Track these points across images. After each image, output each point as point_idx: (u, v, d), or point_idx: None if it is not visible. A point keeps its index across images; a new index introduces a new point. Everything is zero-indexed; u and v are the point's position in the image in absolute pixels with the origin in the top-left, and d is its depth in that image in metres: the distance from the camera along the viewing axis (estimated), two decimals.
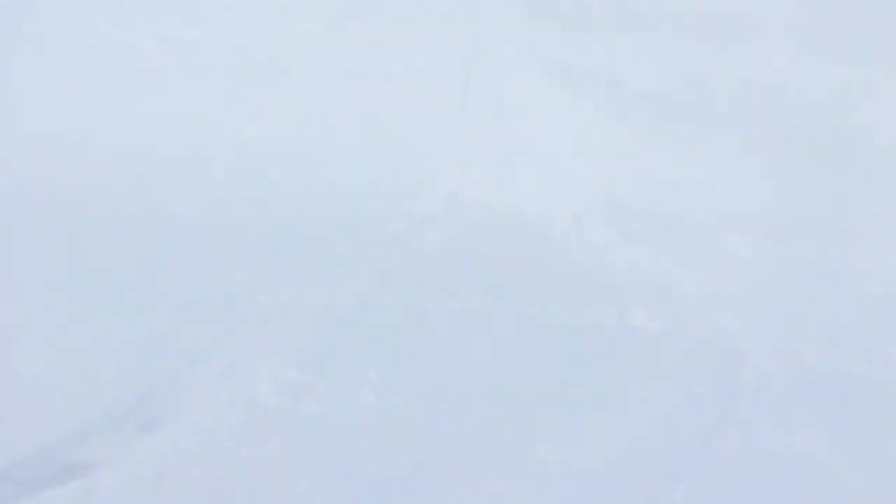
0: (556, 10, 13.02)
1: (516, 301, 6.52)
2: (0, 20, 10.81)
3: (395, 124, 9.31)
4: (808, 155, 9.12)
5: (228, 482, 4.47)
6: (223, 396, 5.05)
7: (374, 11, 12.64)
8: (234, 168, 8.06)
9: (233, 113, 9.19)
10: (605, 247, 7.40)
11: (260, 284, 6.18)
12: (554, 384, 5.57)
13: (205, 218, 7.07)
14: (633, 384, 5.65)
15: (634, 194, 8.34)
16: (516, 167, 8.77)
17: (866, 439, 5.39)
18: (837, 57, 10.98)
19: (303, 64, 10.61)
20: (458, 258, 7.14)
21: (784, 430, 5.37)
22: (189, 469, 4.51)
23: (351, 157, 8.56)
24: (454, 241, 7.38)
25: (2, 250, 6.41)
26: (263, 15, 12.13)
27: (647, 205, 8.19)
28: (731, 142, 9.43)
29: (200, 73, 10.15)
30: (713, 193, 8.55)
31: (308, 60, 10.74)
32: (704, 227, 7.93)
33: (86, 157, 7.92)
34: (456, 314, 6.28)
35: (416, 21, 12.31)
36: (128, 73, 9.96)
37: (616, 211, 8.03)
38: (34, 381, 5.03)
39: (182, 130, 8.65)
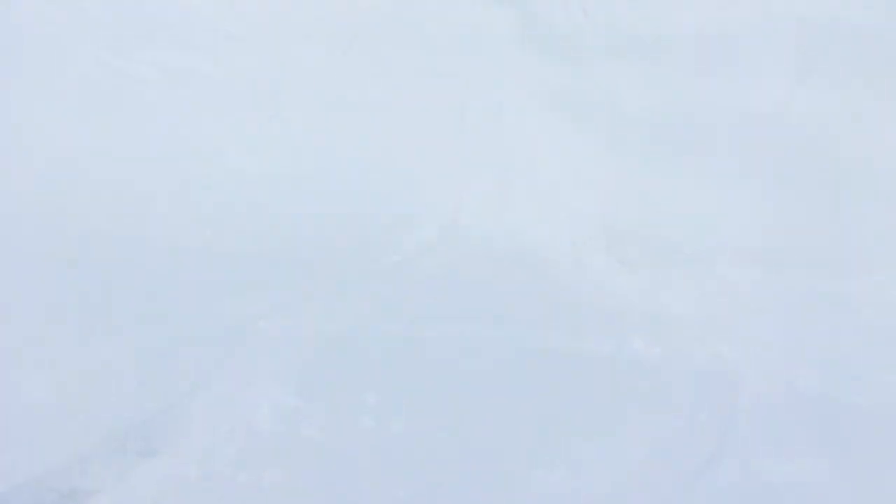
0: (555, 40, 13.23)
1: (514, 329, 6.62)
2: None
3: (392, 153, 9.48)
4: (806, 183, 9.26)
5: None
6: (222, 423, 5.12)
7: (373, 41, 12.88)
8: (233, 197, 8.21)
9: (231, 142, 9.36)
10: (603, 274, 7.53)
11: (259, 313, 6.26)
12: (552, 411, 5.64)
13: (203, 247, 7.20)
14: (631, 411, 5.73)
15: (632, 222, 8.49)
16: (514, 196, 8.92)
17: (866, 466, 5.45)
18: (838, 84, 11.14)
19: (301, 94, 10.79)
20: (456, 287, 7.25)
21: (783, 458, 5.43)
22: (188, 495, 4.57)
23: (349, 186, 8.71)
24: (452, 270, 7.50)
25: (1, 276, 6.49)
26: (262, 44, 12.33)
27: (645, 233, 8.34)
28: (730, 170, 9.57)
29: (200, 102, 10.31)
30: (711, 222, 8.70)
31: (306, 90, 10.92)
32: (703, 255, 8.07)
33: (85, 186, 8.06)
34: (454, 341, 6.36)
35: (414, 50, 12.53)
36: (127, 102, 10.12)
37: (614, 239, 8.17)
38: (33, 406, 5.09)
39: (181, 160, 8.82)
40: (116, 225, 7.41)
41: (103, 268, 6.68)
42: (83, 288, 6.41)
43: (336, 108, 10.51)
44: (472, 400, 5.69)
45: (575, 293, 7.24)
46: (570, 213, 8.58)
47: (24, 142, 8.79)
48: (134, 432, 5.02)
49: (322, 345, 6.07)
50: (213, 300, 6.30)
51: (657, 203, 8.96)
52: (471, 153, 9.76)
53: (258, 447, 4.98)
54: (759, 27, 13.15)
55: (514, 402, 5.71)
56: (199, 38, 12.49)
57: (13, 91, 10.02)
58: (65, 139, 9.07)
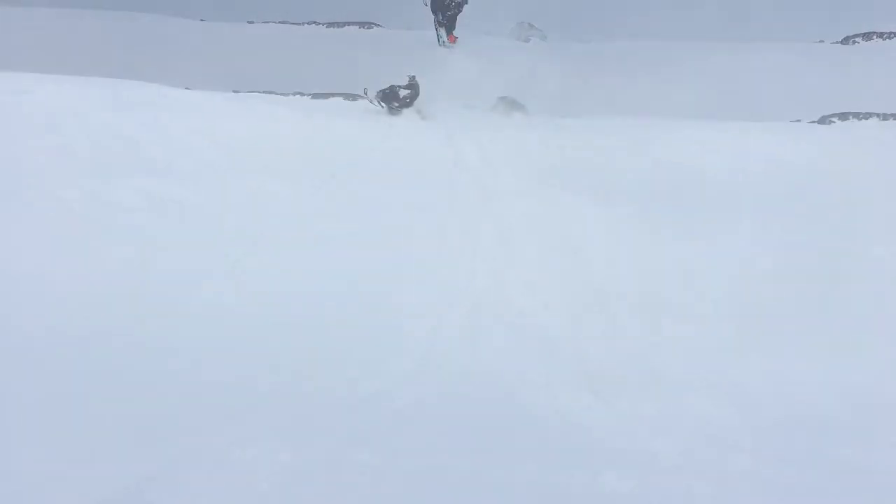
0: (526, 173, 14.02)
1: (487, 462, 6.79)
2: None
3: (369, 285, 9.88)
4: (774, 316, 9.71)
5: None
6: None
7: (352, 175, 13.55)
8: (210, 327, 8.47)
9: (209, 272, 9.71)
10: (575, 408, 7.78)
11: (234, 441, 6.44)
12: None
13: (180, 376, 7.39)
14: None
15: (605, 355, 8.84)
16: (488, 327, 9.25)
17: None
18: (805, 226, 11.82)
19: (280, 225, 11.28)
20: (429, 418, 7.46)
21: None
22: None
23: (326, 317, 9.04)
24: (426, 402, 7.73)
25: None
26: (242, 176, 12.92)
27: (619, 364, 8.68)
28: (702, 305, 10.03)
29: (179, 231, 10.72)
30: (686, 356, 9.06)
31: (285, 222, 11.43)
32: (678, 387, 8.37)
33: (67, 314, 8.29)
34: (427, 474, 6.52)
35: (392, 184, 13.21)
36: (105, 228, 10.49)
37: (586, 371, 8.48)
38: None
39: (158, 288, 9.13)
40: (92, 352, 7.62)
41: (81, 396, 6.84)
42: (57, 422, 6.54)
43: (313, 240, 10.99)
44: None
45: (548, 426, 7.48)
46: (543, 345, 8.94)
47: (4, 268, 9.05)
48: None
49: (295, 474, 6.23)
50: (190, 429, 6.48)
51: (631, 334, 9.38)
52: (445, 285, 10.16)
53: None
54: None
55: None
56: (180, 166, 13.05)
57: None
58: (41, 265, 9.36)
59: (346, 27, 22.88)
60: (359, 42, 22.04)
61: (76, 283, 9.00)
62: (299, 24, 22.90)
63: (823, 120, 19.01)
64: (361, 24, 22.82)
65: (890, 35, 19.38)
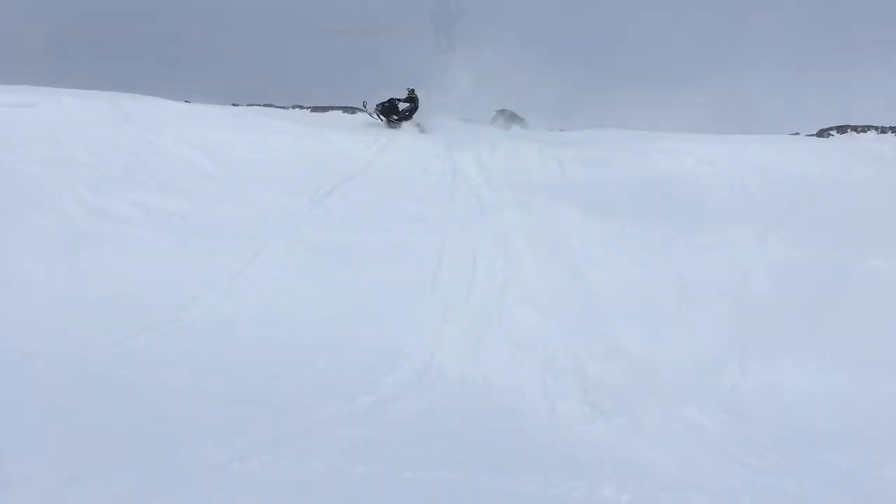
0: (525, 186, 14.12)
1: (486, 474, 6.81)
2: None
3: (369, 297, 9.95)
4: (772, 328, 9.77)
5: None
6: None
7: (352, 187, 13.65)
8: (213, 340, 8.54)
9: (210, 283, 9.77)
10: (574, 420, 7.82)
11: (235, 454, 6.46)
12: None
13: (182, 388, 7.43)
14: None
15: (604, 367, 8.88)
16: (487, 340, 9.30)
17: None
18: (802, 238, 11.88)
19: (280, 238, 11.36)
20: (429, 430, 7.49)
21: None
22: None
23: (326, 329, 9.10)
24: (426, 413, 7.76)
25: None
26: (242, 190, 13.01)
27: (616, 377, 8.73)
28: (700, 316, 10.08)
29: (180, 243, 10.80)
30: (684, 368, 9.10)
31: (285, 234, 11.51)
32: (674, 401, 8.41)
33: (67, 325, 8.33)
34: (427, 486, 6.54)
35: (391, 196, 13.29)
36: (106, 241, 10.58)
37: (585, 383, 8.53)
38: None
39: (160, 300, 9.18)
40: (94, 364, 7.66)
41: (81, 407, 6.87)
42: (59, 432, 6.58)
43: (313, 252, 11.07)
44: None
45: (547, 438, 7.51)
46: (542, 357, 8.99)
47: (4, 279, 9.11)
48: None
49: (297, 487, 6.26)
50: (193, 441, 6.50)
51: (629, 348, 9.42)
52: (446, 298, 10.22)
53: None
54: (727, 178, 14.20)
55: None
56: (179, 179, 13.15)
57: None
58: (42, 276, 9.44)
59: (330, 112, 23.21)
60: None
61: (76, 294, 9.07)
62: (284, 107, 23.30)
63: (822, 133, 19.13)
64: (345, 109, 23.21)
65: (864, 128, 19.72)
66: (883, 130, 20.36)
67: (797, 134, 17.61)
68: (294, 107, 24.04)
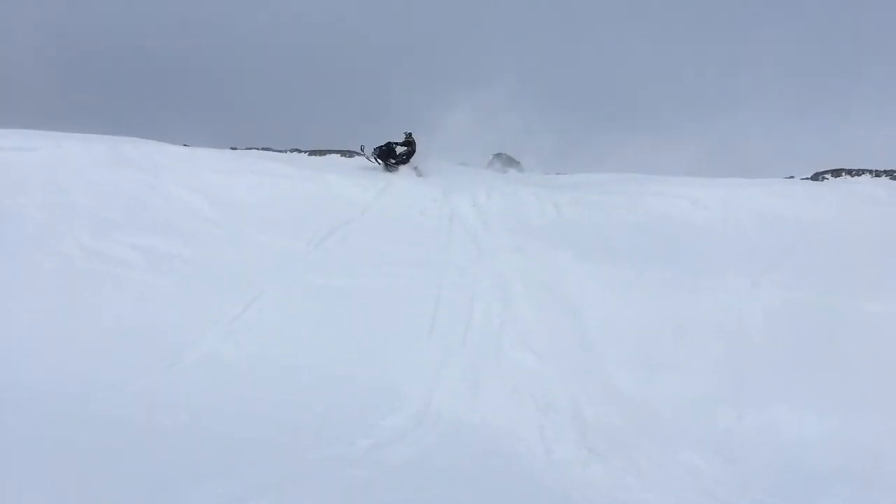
0: (522, 229, 14.27)
1: None
2: None
3: (367, 340, 10.04)
4: (767, 370, 9.83)
5: None
6: None
7: (350, 231, 13.81)
8: (212, 382, 8.61)
9: (208, 326, 9.86)
10: (571, 462, 7.87)
11: (232, 497, 6.49)
12: None
13: (180, 430, 7.48)
14: None
15: (600, 410, 8.94)
16: (484, 384, 9.36)
17: None
18: (797, 281, 11.99)
19: (278, 281, 11.48)
20: (426, 473, 7.54)
21: None
22: None
23: (324, 372, 9.16)
24: (423, 456, 7.81)
25: None
26: (242, 232, 13.16)
27: (613, 420, 8.78)
28: (696, 359, 10.15)
29: (178, 285, 10.92)
30: (681, 410, 9.16)
31: (285, 277, 11.65)
32: (671, 443, 8.47)
33: (68, 367, 8.39)
34: None
35: (389, 240, 13.44)
36: (105, 284, 10.69)
37: (582, 426, 8.59)
38: None
39: (159, 342, 9.26)
40: (94, 406, 7.71)
41: (81, 448, 6.90)
42: (59, 473, 6.61)
43: (312, 295, 11.18)
44: None
45: (544, 481, 7.57)
46: (539, 400, 9.04)
47: (5, 322, 9.18)
48: None
49: None
50: (191, 484, 6.54)
51: (624, 389, 9.48)
52: (442, 341, 10.30)
53: None
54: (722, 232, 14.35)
55: None
56: (179, 223, 13.30)
57: None
58: (43, 319, 9.51)
59: (328, 155, 23.64)
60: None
61: (76, 336, 9.15)
62: (283, 151, 23.72)
63: (816, 176, 19.35)
64: (343, 153, 23.68)
65: (859, 171, 20.11)
66: (877, 174, 20.61)
67: (791, 177, 17.82)
68: (292, 150, 24.38)
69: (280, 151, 23.92)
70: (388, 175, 18.68)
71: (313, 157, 23.43)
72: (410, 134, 20.15)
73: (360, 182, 16.86)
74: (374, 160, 19.70)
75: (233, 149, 21.73)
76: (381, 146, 19.59)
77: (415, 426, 8.28)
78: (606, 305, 11.30)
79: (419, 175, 19.36)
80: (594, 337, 10.56)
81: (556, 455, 8.00)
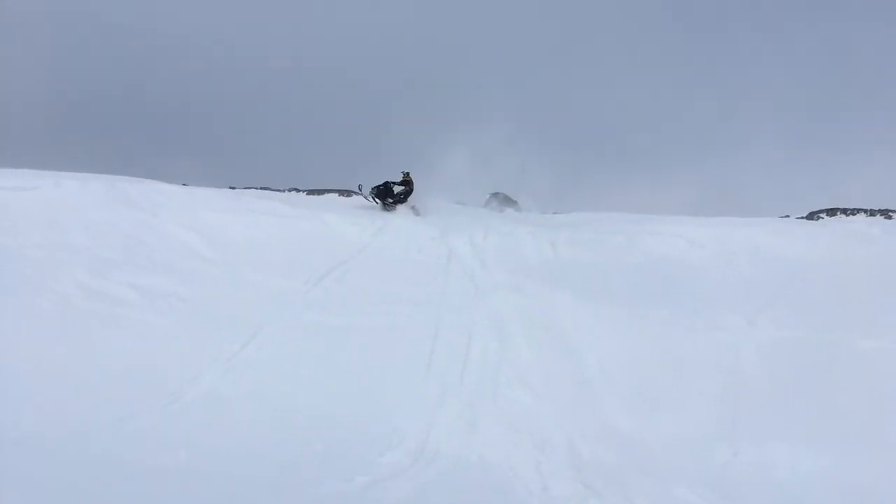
0: (519, 268, 14.42)
1: None
2: None
3: (365, 378, 10.13)
4: (763, 407, 9.90)
5: None
6: None
7: (347, 270, 13.96)
8: (210, 420, 8.69)
9: (207, 364, 9.94)
10: (567, 499, 7.94)
11: None
12: None
13: (178, 468, 7.53)
14: None
15: (597, 447, 9.01)
16: (482, 421, 9.44)
17: None
18: (793, 319, 12.11)
19: (277, 320, 11.60)
20: None
21: None
22: None
23: (323, 409, 9.27)
24: (421, 493, 7.86)
25: None
26: (239, 271, 13.29)
27: (609, 457, 8.85)
28: (691, 396, 10.23)
29: (176, 324, 11.01)
30: (676, 447, 9.24)
31: (283, 316, 11.76)
32: (666, 480, 8.54)
33: (66, 406, 8.47)
34: None
35: (387, 279, 13.59)
36: (103, 323, 10.79)
37: (578, 463, 8.65)
38: None
39: (157, 380, 9.35)
40: (93, 445, 7.77)
41: (80, 489, 6.94)
42: None
43: (309, 334, 11.29)
44: None
45: None
46: (536, 437, 9.11)
47: (3, 362, 9.24)
48: None
49: None
50: None
51: (620, 427, 9.55)
52: (440, 379, 10.38)
53: None
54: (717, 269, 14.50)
55: None
56: (177, 262, 13.43)
57: None
58: (41, 358, 9.58)
59: (326, 194, 24.04)
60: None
61: (75, 375, 9.23)
62: (281, 190, 24.06)
63: (812, 216, 19.55)
64: (341, 192, 24.08)
65: (854, 211, 20.45)
66: (872, 213, 20.83)
67: (787, 216, 18.03)
68: (291, 189, 24.62)
69: (278, 191, 24.15)
70: (386, 214, 18.87)
71: (311, 196, 23.67)
72: (408, 173, 20.38)
73: (357, 221, 17.04)
74: (371, 199, 19.90)
75: (231, 188, 21.96)
76: (379, 185, 19.82)
77: (412, 463, 8.34)
78: (603, 344, 11.41)
79: (417, 214, 19.56)
80: (591, 375, 10.66)
81: (553, 492, 8.05)
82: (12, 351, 9.57)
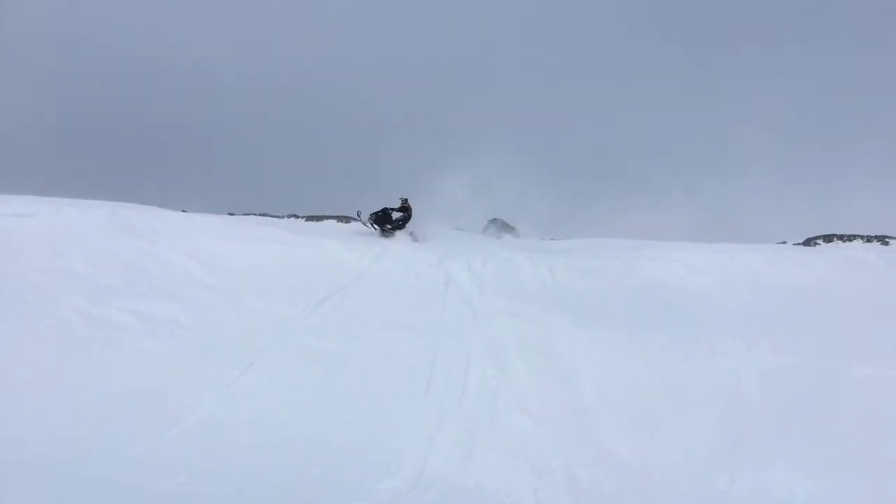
0: (516, 294, 14.49)
1: None
2: None
3: (363, 404, 10.21)
4: (761, 433, 9.97)
5: None
6: None
7: (346, 296, 14.04)
8: (210, 446, 8.75)
9: (206, 390, 10.01)
10: None
11: None
12: None
13: (177, 492, 7.59)
14: None
15: (594, 472, 9.08)
16: (479, 447, 9.50)
17: None
18: (791, 345, 12.19)
19: (277, 346, 11.68)
20: None
21: None
22: None
23: (321, 435, 9.33)
24: None
25: None
26: (239, 297, 13.37)
27: (607, 483, 8.93)
28: (690, 422, 10.29)
29: (176, 350, 11.08)
30: (675, 473, 9.31)
31: (282, 342, 11.83)
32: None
33: (66, 432, 8.52)
34: None
35: (385, 305, 13.67)
36: (104, 349, 10.86)
37: (575, 489, 8.73)
38: None
39: (157, 406, 9.41)
40: (93, 469, 7.83)
41: None
42: None
43: (308, 360, 11.37)
44: None
45: None
46: (533, 463, 9.16)
47: (5, 388, 9.31)
48: None
49: None
50: None
51: (620, 453, 9.62)
52: (438, 405, 10.44)
53: None
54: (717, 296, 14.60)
55: None
56: (178, 290, 13.52)
57: None
58: (41, 383, 9.65)
59: (325, 221, 24.21)
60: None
61: (75, 401, 9.30)
62: (280, 216, 24.23)
63: (809, 242, 19.67)
64: (339, 218, 24.27)
65: (850, 237, 20.63)
66: (868, 239, 20.96)
67: (784, 243, 18.14)
68: (290, 216, 24.75)
69: (277, 217, 24.24)
70: (385, 240, 18.97)
71: (310, 222, 23.79)
72: (406, 200, 20.51)
73: (356, 247, 17.13)
74: (370, 226, 20.02)
75: (230, 214, 22.09)
76: (378, 212, 19.93)
77: (410, 489, 8.40)
78: (602, 369, 11.49)
79: (415, 240, 19.66)
80: (589, 401, 10.73)
81: None
82: (14, 375, 9.65)
